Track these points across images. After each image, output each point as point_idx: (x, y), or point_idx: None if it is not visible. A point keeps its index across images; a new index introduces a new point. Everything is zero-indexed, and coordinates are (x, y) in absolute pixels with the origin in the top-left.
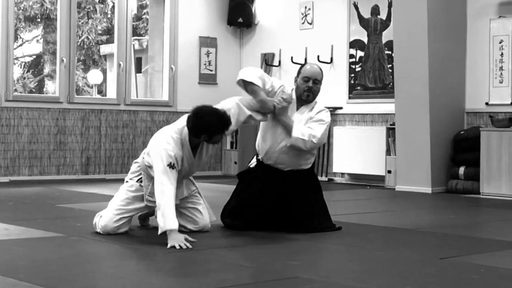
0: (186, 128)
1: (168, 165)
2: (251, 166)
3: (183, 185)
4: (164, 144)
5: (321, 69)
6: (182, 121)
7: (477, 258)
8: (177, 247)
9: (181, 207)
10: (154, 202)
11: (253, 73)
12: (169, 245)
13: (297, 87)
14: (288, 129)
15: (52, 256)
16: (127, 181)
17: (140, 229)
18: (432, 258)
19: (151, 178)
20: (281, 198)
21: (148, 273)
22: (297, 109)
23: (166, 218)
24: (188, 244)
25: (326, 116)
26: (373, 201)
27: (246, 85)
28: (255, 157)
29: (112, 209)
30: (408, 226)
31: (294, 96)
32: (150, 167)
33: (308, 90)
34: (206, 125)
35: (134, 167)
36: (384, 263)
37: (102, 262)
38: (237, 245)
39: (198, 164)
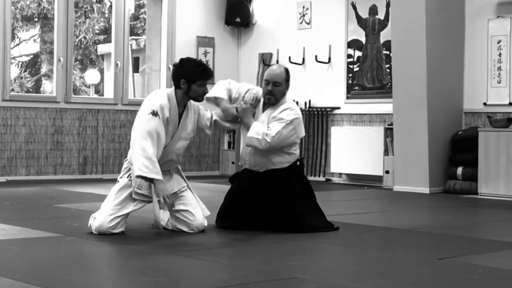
0: (173, 87)
1: (151, 112)
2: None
3: (172, 178)
4: (150, 96)
5: (285, 69)
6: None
7: (475, 258)
8: (162, 200)
9: (173, 210)
10: (143, 195)
11: (218, 87)
12: (156, 197)
13: (262, 90)
14: (248, 129)
15: (49, 256)
16: (118, 181)
17: (137, 229)
18: (430, 259)
19: None
20: (258, 199)
21: (145, 273)
22: (263, 110)
23: (152, 168)
24: (172, 199)
25: (288, 115)
26: (370, 202)
27: (213, 101)
28: None
29: (106, 210)
30: (406, 227)
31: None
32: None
33: (268, 93)
34: (184, 68)
35: (124, 164)
36: (382, 263)
37: (99, 262)
38: (233, 245)
39: (182, 132)
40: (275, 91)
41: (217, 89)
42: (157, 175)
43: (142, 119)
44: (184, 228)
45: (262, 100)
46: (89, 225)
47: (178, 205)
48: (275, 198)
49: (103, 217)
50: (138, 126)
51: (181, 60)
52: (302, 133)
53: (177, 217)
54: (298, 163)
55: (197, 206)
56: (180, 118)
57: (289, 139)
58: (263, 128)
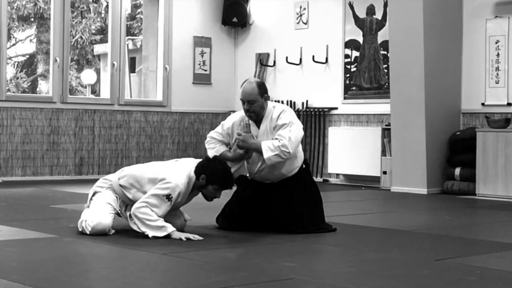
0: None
1: (166, 196)
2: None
3: (182, 215)
4: (179, 178)
5: (257, 84)
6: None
7: (473, 259)
8: (184, 239)
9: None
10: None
11: (211, 146)
12: (181, 237)
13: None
14: (260, 152)
15: (45, 257)
16: (98, 192)
17: (132, 230)
18: (428, 260)
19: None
20: (267, 206)
21: (142, 274)
22: (258, 126)
23: (163, 225)
24: (195, 237)
25: (287, 116)
26: (368, 202)
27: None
28: None
29: (103, 209)
30: (404, 228)
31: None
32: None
33: (247, 111)
34: (211, 168)
35: (101, 183)
36: (380, 264)
37: (96, 263)
38: (231, 246)
39: (183, 204)
40: (252, 108)
41: (210, 151)
42: (167, 230)
43: (157, 195)
44: None
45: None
46: (81, 228)
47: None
48: (283, 202)
49: (102, 214)
50: (153, 197)
51: (213, 158)
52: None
53: None
54: (304, 166)
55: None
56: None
57: (300, 135)
58: (273, 142)
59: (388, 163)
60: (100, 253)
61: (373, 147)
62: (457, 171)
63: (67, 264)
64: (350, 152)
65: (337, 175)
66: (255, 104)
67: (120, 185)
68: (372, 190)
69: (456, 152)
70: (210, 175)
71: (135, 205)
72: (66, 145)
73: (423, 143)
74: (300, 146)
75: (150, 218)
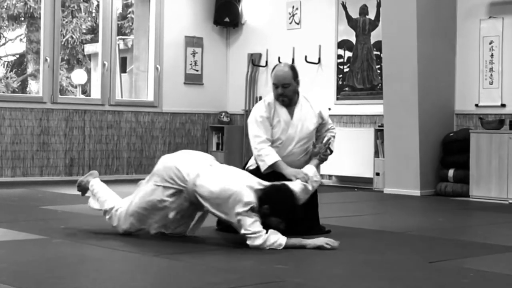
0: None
1: (250, 208)
2: (251, 168)
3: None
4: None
5: (290, 67)
6: None
7: (467, 262)
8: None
9: None
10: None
11: (266, 152)
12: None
13: (273, 91)
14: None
15: (35, 259)
16: (157, 185)
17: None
18: (421, 262)
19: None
20: None
21: (133, 276)
22: (290, 113)
23: (276, 238)
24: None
25: (327, 112)
26: (361, 204)
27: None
28: (253, 160)
29: (133, 213)
30: (397, 229)
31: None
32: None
33: (280, 96)
34: (278, 200)
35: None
36: (372, 266)
37: (86, 265)
38: (223, 248)
39: None
40: (286, 92)
41: (267, 155)
42: (281, 238)
43: (245, 216)
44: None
45: (274, 103)
46: (110, 215)
47: None
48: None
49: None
50: (245, 221)
51: (282, 188)
52: None
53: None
54: None
55: None
56: None
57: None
58: (332, 137)
59: (381, 165)
60: (90, 255)
61: (366, 148)
62: (451, 172)
63: (57, 266)
64: (343, 153)
65: (330, 176)
66: (289, 88)
67: (196, 192)
68: (365, 192)
69: (449, 153)
70: (276, 208)
71: (250, 242)
72: (56, 145)
73: (416, 144)
74: None
75: (264, 241)
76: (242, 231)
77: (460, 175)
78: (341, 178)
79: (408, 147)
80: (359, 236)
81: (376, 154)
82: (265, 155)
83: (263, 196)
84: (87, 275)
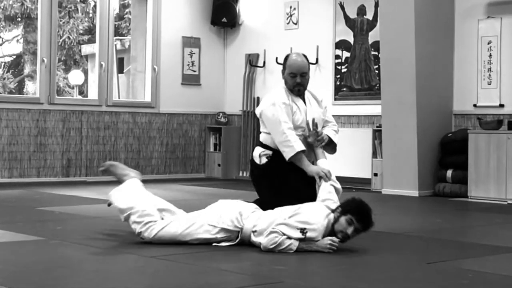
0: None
1: (301, 230)
2: (263, 162)
3: None
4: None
5: (305, 57)
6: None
7: (465, 263)
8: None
9: None
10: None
11: (292, 137)
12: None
13: (286, 82)
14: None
15: (32, 260)
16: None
17: (122, 233)
18: (419, 263)
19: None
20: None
21: (130, 277)
22: (303, 100)
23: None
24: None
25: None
26: None
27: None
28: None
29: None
30: (395, 230)
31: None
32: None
33: (298, 85)
34: (357, 205)
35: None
36: (371, 267)
37: (83, 266)
38: (221, 249)
39: None
40: (303, 81)
41: (291, 144)
42: None
43: (287, 225)
44: None
45: (287, 92)
46: (139, 231)
47: None
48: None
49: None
50: (281, 226)
51: (363, 204)
52: None
53: None
54: None
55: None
56: None
57: None
58: (333, 130)
59: (379, 165)
60: (87, 256)
61: (364, 149)
62: (449, 173)
63: (54, 267)
64: (341, 153)
65: None
66: (306, 77)
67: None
68: (363, 192)
69: (448, 154)
70: (356, 211)
71: (267, 239)
72: (53, 146)
73: (414, 144)
74: None
75: (280, 242)
76: (269, 229)
77: (459, 176)
78: (339, 179)
79: (406, 147)
80: (357, 237)
81: (374, 154)
82: (293, 141)
83: (346, 206)
84: (84, 276)
